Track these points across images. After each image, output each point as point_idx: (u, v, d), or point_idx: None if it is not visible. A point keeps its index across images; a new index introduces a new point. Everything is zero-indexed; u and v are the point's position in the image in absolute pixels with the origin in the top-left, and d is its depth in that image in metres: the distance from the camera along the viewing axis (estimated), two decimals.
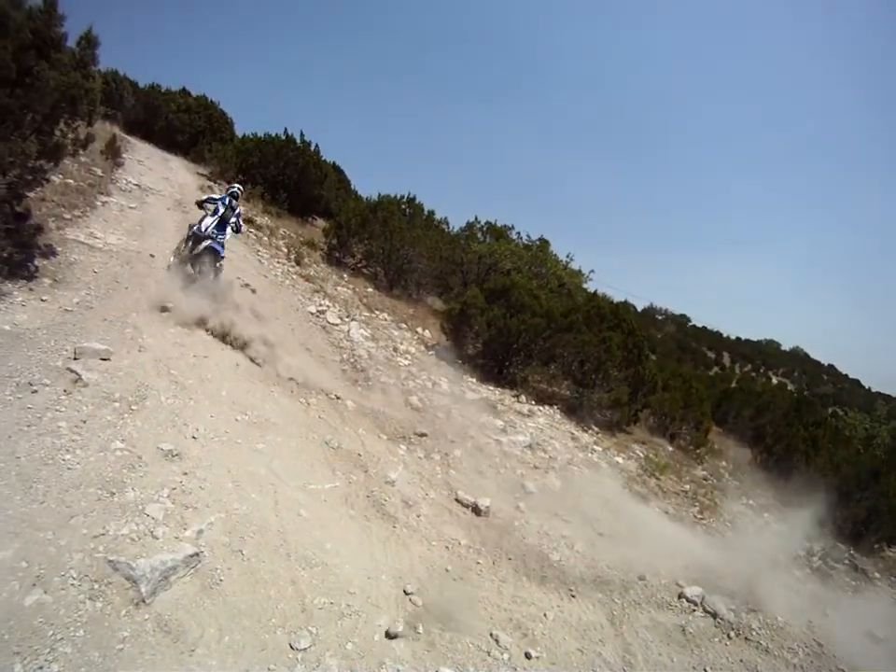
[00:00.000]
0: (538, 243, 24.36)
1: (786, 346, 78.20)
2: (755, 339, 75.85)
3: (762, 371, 62.98)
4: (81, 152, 10.57)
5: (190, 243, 11.04)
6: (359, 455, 7.97)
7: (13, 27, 8.69)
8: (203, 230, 10.93)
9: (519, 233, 25.19)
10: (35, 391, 6.67)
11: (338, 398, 9.58)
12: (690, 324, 70.52)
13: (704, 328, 70.07)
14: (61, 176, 12.51)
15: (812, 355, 76.32)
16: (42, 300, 9.26)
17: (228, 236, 11.28)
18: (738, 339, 72.05)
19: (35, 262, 10.18)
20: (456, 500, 7.84)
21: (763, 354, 69.06)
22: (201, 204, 11.43)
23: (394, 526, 6.75)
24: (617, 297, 41.45)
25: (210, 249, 10.99)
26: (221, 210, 11.17)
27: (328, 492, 6.85)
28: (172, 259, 11.42)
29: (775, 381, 57.02)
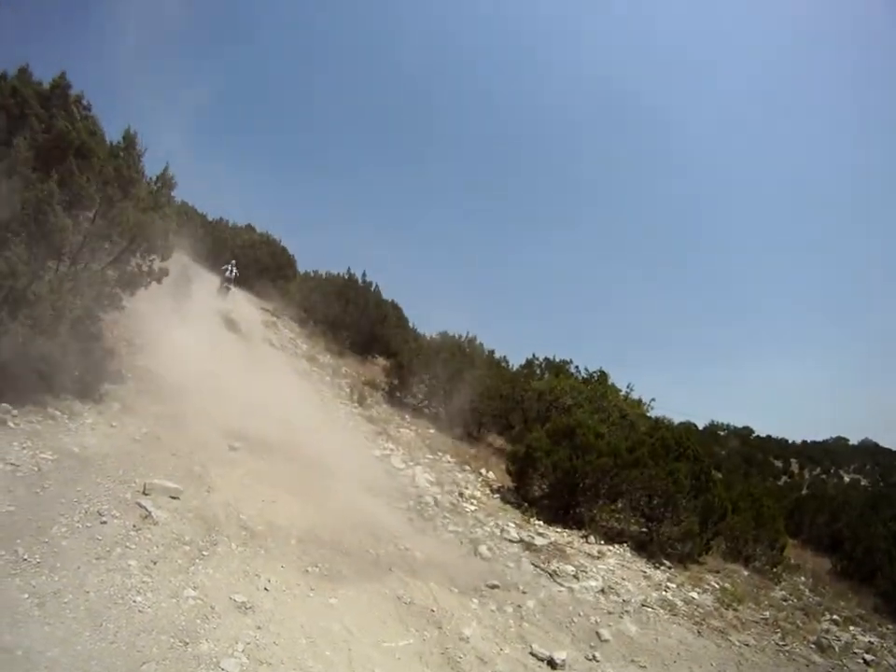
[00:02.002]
0: (596, 376, 24.25)
1: (854, 440, 74.55)
2: (821, 439, 72.91)
3: (832, 471, 60.74)
4: (156, 284, 10.85)
5: (221, 283, 24.06)
6: (432, 610, 7.71)
7: (97, 164, 9.05)
8: (225, 272, 24.13)
9: (577, 367, 25.03)
10: (105, 522, 6.66)
11: (407, 549, 9.37)
12: (753, 435, 68.73)
13: (768, 437, 68.07)
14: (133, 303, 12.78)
15: (882, 443, 72.36)
16: (111, 425, 9.39)
17: (234, 277, 24.55)
18: (804, 442, 69.60)
19: (106, 386, 10.34)
20: (531, 654, 7.46)
21: (832, 453, 66.45)
22: (222, 271, 24.44)
23: None
24: (677, 418, 40.83)
25: (226, 286, 24.13)
26: (229, 268, 24.29)
27: (402, 649, 6.58)
28: (217, 290, 23.66)
29: (847, 479, 55.24)
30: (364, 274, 27.93)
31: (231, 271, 24.39)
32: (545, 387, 21.89)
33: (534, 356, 25.49)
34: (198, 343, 15.45)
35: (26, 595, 5.07)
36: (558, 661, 7.39)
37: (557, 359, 25.28)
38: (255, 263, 31.08)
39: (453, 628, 7.42)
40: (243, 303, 25.40)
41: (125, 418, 9.77)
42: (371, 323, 26.47)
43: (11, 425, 7.93)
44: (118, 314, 10.49)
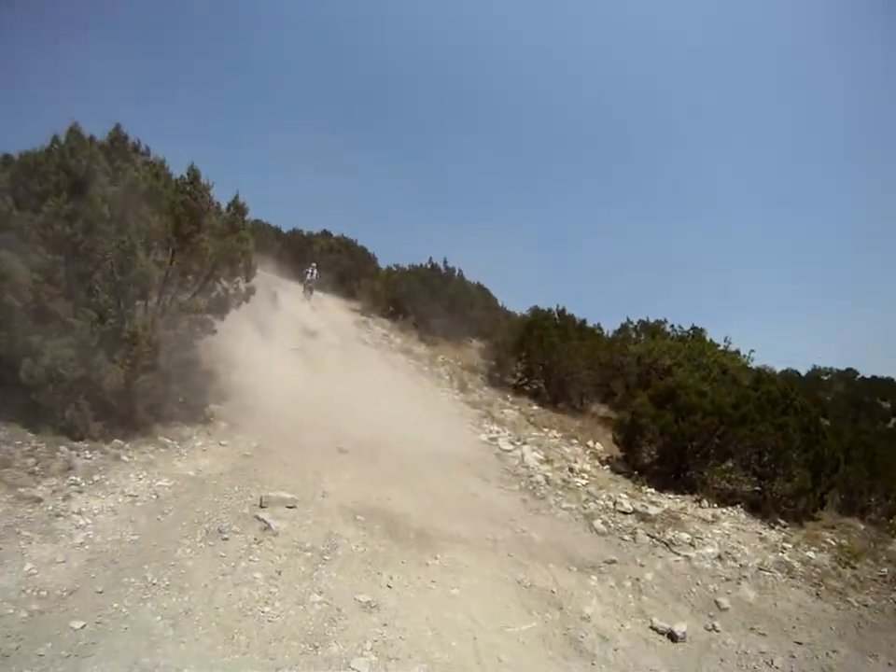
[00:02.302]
0: (692, 333, 23.80)
1: None
2: None
3: None
4: (244, 304, 11.19)
5: (304, 286, 25.96)
6: (553, 591, 7.72)
7: (167, 205, 9.52)
8: (306, 281, 25.96)
9: (673, 326, 24.66)
10: (226, 539, 6.94)
11: (523, 531, 9.39)
12: (858, 377, 65.84)
13: (873, 377, 65.09)
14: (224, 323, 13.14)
15: None
16: (221, 444, 9.76)
17: (315, 279, 26.26)
18: None
19: (210, 407, 10.71)
20: (652, 628, 7.43)
21: None
22: (303, 275, 26.46)
23: (593, 664, 6.44)
24: (778, 366, 39.76)
25: (310, 288, 25.90)
26: (310, 271, 26.09)
27: (525, 633, 6.64)
28: (301, 292, 25.75)
29: None
30: (445, 261, 28.26)
31: (312, 272, 26.47)
32: (643, 350, 21.67)
33: (628, 319, 25.23)
34: (291, 353, 15.81)
35: (159, 618, 5.34)
36: (678, 633, 7.32)
37: (651, 320, 24.92)
38: (336, 266, 31.48)
39: (573, 608, 7.44)
40: (331, 308, 25.81)
41: (234, 435, 10.16)
42: (461, 308, 26.56)
43: (125, 458, 8.33)
44: (211, 337, 10.80)
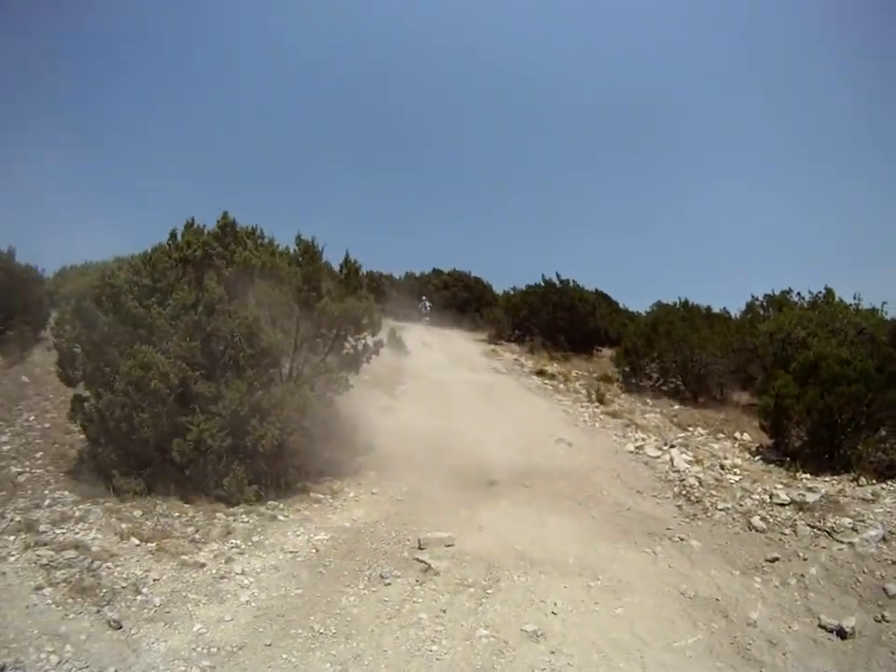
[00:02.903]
0: (821, 296, 22.72)
1: None
2: None
3: None
4: (375, 357, 11.63)
5: (422, 318, 30.17)
6: (717, 599, 7.60)
7: (284, 276, 10.19)
8: (422, 310, 30.75)
9: (799, 293, 23.41)
10: (389, 583, 7.19)
11: (682, 539, 9.28)
12: None
13: None
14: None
15: None
16: (373, 493, 10.09)
17: (429, 311, 30.93)
18: None
19: (357, 459, 11.11)
20: (820, 627, 7.18)
21: None
22: (419, 310, 30.95)
23: (761, 671, 6.41)
24: None
25: (426, 320, 29.67)
26: (423, 306, 30.88)
27: (692, 647, 6.57)
28: (421, 317, 30.34)
29: None
30: (558, 274, 28.23)
31: (426, 307, 31.77)
32: (773, 327, 20.55)
33: (752, 296, 24.55)
34: (425, 393, 16.07)
35: (328, 665, 5.63)
36: (847, 629, 7.02)
37: (776, 293, 24.13)
38: (454, 300, 32.29)
39: (739, 614, 7.30)
40: (457, 341, 26.08)
41: (383, 483, 10.49)
42: (584, 318, 26.43)
43: (281, 518, 8.79)
44: (348, 392, 11.21)
